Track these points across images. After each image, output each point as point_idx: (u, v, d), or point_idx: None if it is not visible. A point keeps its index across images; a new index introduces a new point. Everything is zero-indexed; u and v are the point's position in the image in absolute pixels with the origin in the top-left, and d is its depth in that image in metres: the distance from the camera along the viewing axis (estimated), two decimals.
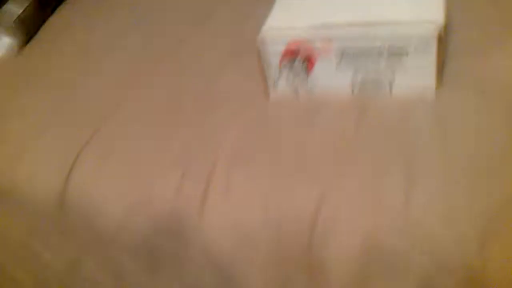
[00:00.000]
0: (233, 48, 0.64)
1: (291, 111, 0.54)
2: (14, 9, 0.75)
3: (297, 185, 0.47)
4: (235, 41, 0.65)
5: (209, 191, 0.48)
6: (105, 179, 0.53)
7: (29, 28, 0.77)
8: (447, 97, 0.50)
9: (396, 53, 0.50)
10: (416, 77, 0.51)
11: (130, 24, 0.75)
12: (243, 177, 0.49)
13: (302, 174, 0.47)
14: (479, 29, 0.57)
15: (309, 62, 0.52)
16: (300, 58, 0.52)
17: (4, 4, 0.75)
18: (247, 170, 0.49)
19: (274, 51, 0.53)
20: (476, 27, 0.57)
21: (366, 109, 0.51)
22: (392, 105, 0.51)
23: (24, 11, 0.76)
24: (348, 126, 0.50)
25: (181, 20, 0.73)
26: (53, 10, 0.82)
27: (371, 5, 0.52)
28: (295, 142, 0.50)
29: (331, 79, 0.53)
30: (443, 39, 0.49)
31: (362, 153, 0.48)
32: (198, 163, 0.51)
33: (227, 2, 0.74)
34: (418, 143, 0.47)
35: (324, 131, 0.51)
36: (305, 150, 0.49)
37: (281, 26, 0.53)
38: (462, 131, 0.47)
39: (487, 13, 0.59)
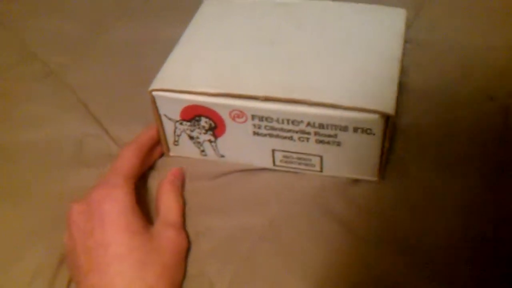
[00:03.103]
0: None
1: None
2: None
3: None
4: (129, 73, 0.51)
5: None
6: None
7: None
8: (387, 192, 0.39)
9: (324, 142, 0.37)
10: (354, 167, 0.39)
11: None
12: None
13: None
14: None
15: (218, 122, 0.39)
16: (206, 118, 0.39)
17: None
18: None
19: (171, 109, 0.39)
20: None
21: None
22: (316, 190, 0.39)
23: None
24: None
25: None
26: None
27: (303, 71, 0.38)
28: None
29: (247, 145, 0.40)
30: (391, 131, 0.35)
31: None
32: None
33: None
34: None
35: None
36: None
37: (177, 86, 0.38)
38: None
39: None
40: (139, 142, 0.40)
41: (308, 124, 0.36)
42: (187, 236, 0.37)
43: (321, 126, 0.36)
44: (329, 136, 0.36)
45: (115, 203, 0.34)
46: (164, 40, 0.43)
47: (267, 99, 0.36)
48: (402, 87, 0.45)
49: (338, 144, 0.37)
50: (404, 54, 0.47)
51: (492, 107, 0.43)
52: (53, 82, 0.52)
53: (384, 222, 0.37)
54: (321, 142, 0.37)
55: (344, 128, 0.35)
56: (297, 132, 0.37)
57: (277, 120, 0.37)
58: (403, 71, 0.46)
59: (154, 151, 0.42)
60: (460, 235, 0.36)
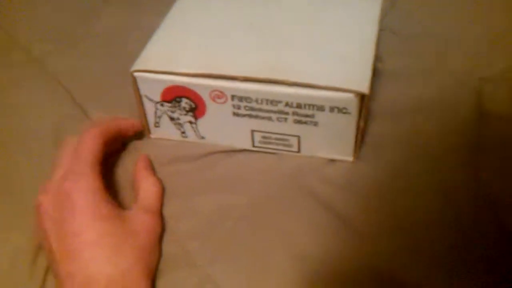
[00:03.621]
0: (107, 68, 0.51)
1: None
2: None
3: None
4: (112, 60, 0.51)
5: None
6: None
7: None
8: (362, 171, 0.40)
9: (302, 122, 0.38)
10: (331, 147, 0.40)
11: None
12: None
13: None
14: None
15: (198, 103, 0.40)
16: (186, 98, 0.39)
17: None
18: None
19: (152, 90, 0.40)
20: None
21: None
22: (294, 171, 0.40)
23: None
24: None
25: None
26: None
27: (282, 53, 0.39)
28: None
29: (227, 126, 0.40)
30: (365, 110, 0.37)
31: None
32: None
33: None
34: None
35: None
36: None
37: (158, 66, 0.39)
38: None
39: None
40: (103, 128, 0.39)
41: (286, 104, 0.37)
42: (162, 220, 0.38)
43: (299, 106, 0.37)
44: (307, 116, 0.38)
45: (83, 192, 0.34)
46: (149, 28, 0.43)
47: (246, 79, 0.37)
48: (378, 73, 0.46)
49: (315, 124, 0.38)
50: (380, 41, 0.49)
51: (465, 91, 0.45)
52: (36, 69, 0.52)
53: (362, 201, 0.38)
54: (298, 122, 0.38)
55: (321, 108, 0.37)
56: (275, 112, 0.38)
57: (256, 100, 0.38)
58: (379, 58, 0.48)
59: (115, 142, 0.42)
60: (439, 216, 0.37)
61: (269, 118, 0.39)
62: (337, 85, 0.36)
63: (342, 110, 0.36)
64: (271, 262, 0.35)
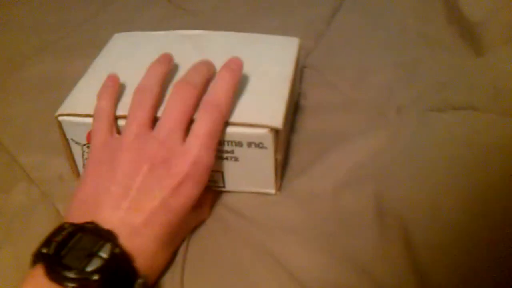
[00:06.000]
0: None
1: None
2: None
3: None
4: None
5: None
6: None
7: None
8: (284, 203, 0.41)
9: (223, 157, 0.40)
10: (253, 181, 0.41)
11: None
12: None
13: None
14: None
15: None
16: None
17: None
18: None
19: (77, 133, 0.41)
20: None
21: None
22: None
23: None
24: None
25: None
26: None
27: None
28: None
29: None
30: (281, 144, 0.39)
31: None
32: None
33: None
34: None
35: None
36: None
37: (82, 110, 0.40)
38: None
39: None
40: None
41: None
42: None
43: (219, 142, 0.39)
44: (227, 152, 0.39)
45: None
46: (80, 73, 0.45)
47: None
48: (301, 108, 0.49)
49: (236, 159, 0.40)
50: (303, 79, 0.52)
51: (382, 120, 0.47)
52: None
53: (283, 233, 0.39)
54: (220, 158, 0.40)
55: (239, 144, 0.38)
56: None
57: None
58: (302, 95, 0.50)
59: None
60: (352, 243, 0.38)
61: None
62: (252, 121, 0.38)
63: (259, 145, 0.38)
64: None
